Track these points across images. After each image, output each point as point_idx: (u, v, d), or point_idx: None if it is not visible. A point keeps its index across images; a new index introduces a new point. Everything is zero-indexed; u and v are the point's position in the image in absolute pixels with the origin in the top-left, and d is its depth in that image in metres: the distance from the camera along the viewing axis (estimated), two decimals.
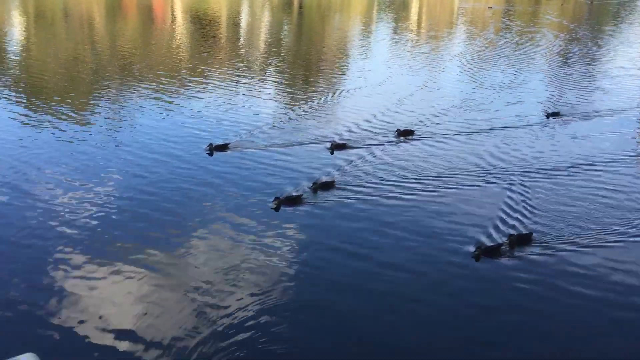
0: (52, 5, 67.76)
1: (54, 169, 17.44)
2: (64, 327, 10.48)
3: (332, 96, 28.11)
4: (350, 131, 22.08)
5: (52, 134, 20.88)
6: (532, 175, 18.26)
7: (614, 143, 22.15)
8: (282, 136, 21.23)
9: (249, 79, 31.88)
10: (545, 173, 18.55)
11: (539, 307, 11.70)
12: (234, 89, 29.09)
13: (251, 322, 10.74)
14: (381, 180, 17.34)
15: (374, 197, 16.18)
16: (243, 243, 13.57)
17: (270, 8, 78.28)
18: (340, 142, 20.38)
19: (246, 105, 25.80)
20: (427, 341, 10.65)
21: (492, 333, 10.92)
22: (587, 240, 14.17)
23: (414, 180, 17.48)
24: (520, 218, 15.23)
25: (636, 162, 20.04)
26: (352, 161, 18.75)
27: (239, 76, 32.38)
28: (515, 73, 35.90)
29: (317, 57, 42.25)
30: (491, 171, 18.48)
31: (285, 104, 27.07)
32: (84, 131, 21.38)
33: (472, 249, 13.46)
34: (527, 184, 17.49)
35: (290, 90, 30.21)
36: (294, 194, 15.85)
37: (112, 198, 15.60)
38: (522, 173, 18.35)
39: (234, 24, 61.45)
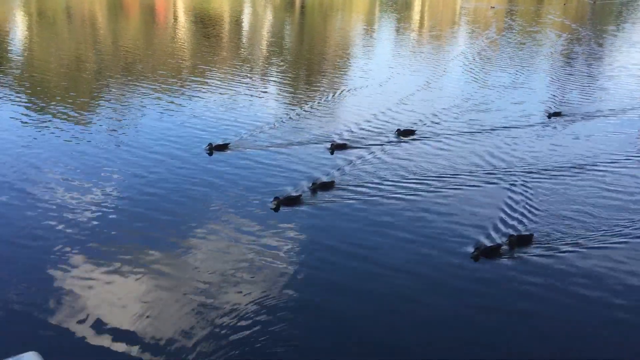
0: (55, 4, 67.85)
1: (55, 168, 17.45)
2: (66, 326, 10.49)
3: (333, 96, 28.09)
4: (350, 131, 22.04)
5: (54, 133, 20.89)
6: (533, 175, 18.20)
7: (616, 143, 22.07)
8: (282, 136, 21.21)
9: (250, 78, 31.87)
10: (546, 173, 18.49)
11: (539, 308, 11.65)
12: (235, 88, 29.08)
13: (250, 322, 10.72)
14: (381, 180, 17.30)
15: (373, 198, 16.15)
16: (242, 243, 13.54)
17: (272, 8, 78.28)
18: (341, 142, 20.35)
19: (247, 105, 25.78)
20: (426, 341, 10.61)
21: (492, 334, 10.88)
22: (589, 242, 14.11)
23: (414, 181, 17.43)
24: (521, 219, 15.17)
25: (638, 163, 19.94)
26: (352, 161, 18.72)
27: (240, 76, 32.37)
28: (517, 73, 35.83)
29: (319, 56, 42.23)
30: (492, 171, 18.43)
31: (286, 103, 27.06)
32: (85, 131, 21.39)
33: (472, 249, 13.41)
34: (528, 184, 17.43)
35: (291, 89, 30.19)
36: (294, 194, 15.82)
37: (112, 198, 15.59)
38: (522, 173, 18.30)
39: (236, 23, 61.48)
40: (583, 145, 21.65)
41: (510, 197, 16.46)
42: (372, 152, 19.70)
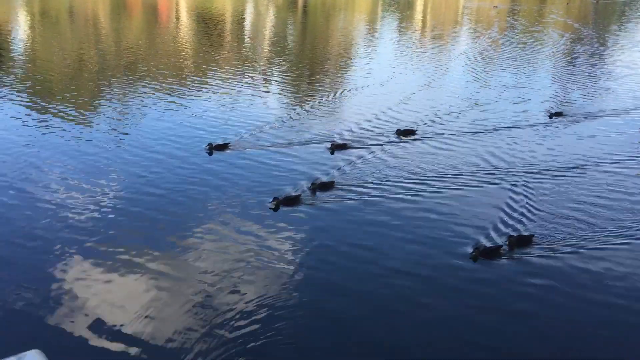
0: (58, 4, 67.99)
1: (56, 168, 17.46)
2: (68, 324, 10.52)
3: (334, 95, 28.06)
4: (351, 131, 22.01)
5: (55, 133, 20.91)
6: (534, 176, 18.14)
7: (618, 144, 21.99)
8: (282, 136, 21.19)
9: (251, 78, 31.87)
10: (547, 174, 18.42)
11: (538, 309, 11.60)
12: (236, 88, 29.09)
13: (250, 322, 10.71)
14: (381, 180, 17.26)
15: (373, 198, 16.11)
16: (241, 243, 13.53)
17: (274, 7, 78.30)
18: (341, 142, 20.31)
19: (248, 105, 25.77)
20: (426, 341, 10.59)
21: (491, 334, 10.83)
22: (590, 243, 14.03)
23: (414, 181, 17.39)
24: (522, 219, 15.11)
25: None
26: (352, 161, 18.68)
27: (242, 75, 32.38)
28: (519, 72, 35.77)
29: (321, 56, 42.22)
30: (492, 171, 18.37)
31: (288, 103, 27.05)
32: (86, 130, 21.40)
33: (471, 250, 13.37)
34: (529, 184, 17.37)
35: (292, 89, 30.18)
36: (293, 194, 15.80)
37: (112, 197, 15.59)
38: (523, 174, 18.24)
39: (239, 23, 61.49)
40: (584, 146, 21.57)
41: (511, 198, 16.41)
42: (372, 152, 19.66)
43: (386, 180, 17.26)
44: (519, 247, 13.58)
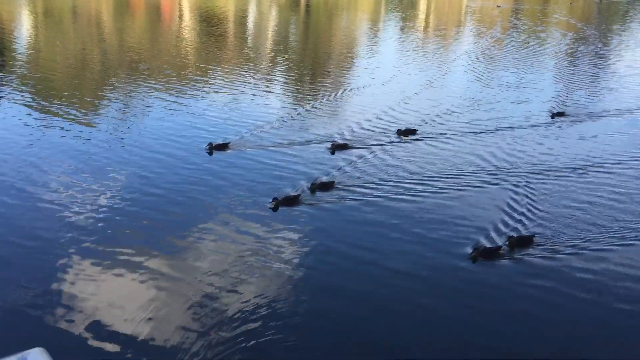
0: (61, 3, 68.09)
1: (58, 168, 17.45)
2: (71, 323, 10.55)
3: (336, 95, 28.03)
4: (352, 131, 21.97)
5: (56, 132, 20.93)
6: (536, 176, 18.06)
7: (621, 144, 21.91)
8: (283, 135, 21.16)
9: (253, 77, 31.86)
10: (548, 174, 18.35)
11: (537, 310, 11.54)
12: (238, 87, 29.08)
13: (249, 323, 10.68)
14: (382, 180, 17.22)
15: (373, 198, 16.07)
16: (241, 244, 13.51)
17: (277, 7, 78.31)
18: (342, 142, 20.26)
19: (249, 104, 25.76)
20: (426, 341, 10.55)
21: (490, 336, 10.78)
22: (591, 244, 13.95)
23: (415, 181, 17.34)
24: (523, 220, 15.05)
25: None
26: (352, 161, 18.64)
27: (244, 75, 32.37)
28: (521, 72, 35.69)
29: (323, 55, 42.19)
30: (493, 172, 18.31)
31: (289, 102, 27.02)
32: (87, 130, 21.39)
33: (471, 250, 13.32)
34: (530, 185, 17.30)
35: (294, 89, 30.15)
36: (293, 194, 15.76)
37: (113, 197, 15.58)
38: (525, 174, 18.17)
39: (241, 22, 61.51)
40: (587, 146, 21.49)
41: (512, 198, 16.34)
42: (373, 152, 19.62)
43: (386, 181, 17.22)
44: (519, 248, 13.52)
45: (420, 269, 12.76)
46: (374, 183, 17.01)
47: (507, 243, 13.61)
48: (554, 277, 12.56)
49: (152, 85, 28.81)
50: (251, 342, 10.18)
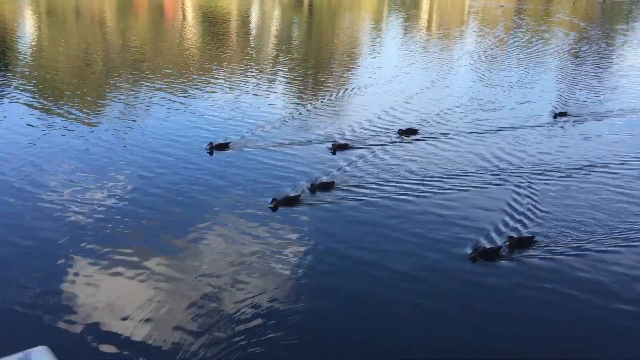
0: (64, 3, 68.22)
1: (59, 168, 17.45)
2: (74, 321, 10.58)
3: (338, 95, 28.02)
4: (353, 131, 21.95)
5: (58, 132, 20.96)
6: (537, 177, 17.99)
7: (624, 144, 21.80)
8: (284, 135, 21.14)
9: (256, 77, 31.87)
10: (550, 175, 18.26)
11: (536, 311, 11.49)
12: (241, 87, 29.09)
13: (248, 322, 10.67)
14: (382, 181, 17.17)
15: (374, 198, 16.04)
16: (240, 244, 13.50)
17: (280, 6, 78.33)
18: (342, 142, 20.23)
19: (251, 104, 25.76)
20: (426, 341, 10.53)
21: (489, 337, 10.73)
22: (593, 245, 13.85)
23: (416, 181, 17.29)
24: (525, 221, 14.99)
25: None
26: (353, 161, 18.61)
27: (246, 74, 32.39)
28: (524, 72, 35.63)
29: (326, 55, 42.19)
30: (495, 172, 18.25)
31: (290, 102, 27.01)
32: (90, 130, 21.40)
33: (470, 251, 13.28)
34: (531, 186, 17.23)
35: (296, 88, 30.15)
36: (292, 194, 15.75)
37: (114, 197, 15.59)
38: (526, 175, 18.10)
39: (244, 22, 61.55)
40: (589, 146, 21.40)
41: (514, 199, 16.27)
42: (374, 153, 19.58)
43: (387, 181, 17.18)
44: (519, 249, 13.46)
45: (420, 270, 12.73)
46: (375, 183, 16.98)
47: (507, 244, 13.56)
48: (554, 279, 12.49)
49: (154, 84, 28.85)
50: (251, 342, 10.16)
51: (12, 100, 25.03)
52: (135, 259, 12.68)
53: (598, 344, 10.74)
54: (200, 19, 62.36)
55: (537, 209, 15.73)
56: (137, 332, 10.36)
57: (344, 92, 28.79)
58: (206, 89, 28.54)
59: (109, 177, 16.87)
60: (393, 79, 32.35)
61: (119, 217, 14.55)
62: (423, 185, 17.08)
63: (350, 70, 35.87)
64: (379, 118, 23.84)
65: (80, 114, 23.49)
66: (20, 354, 6.86)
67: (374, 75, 33.65)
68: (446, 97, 28.28)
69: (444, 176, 17.78)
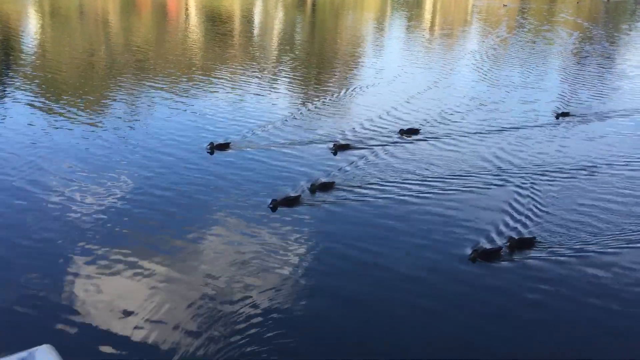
0: (68, 2, 68.34)
1: (61, 167, 17.46)
2: (79, 319, 10.65)
3: (340, 95, 28.00)
4: (355, 131, 21.93)
5: (61, 132, 21.00)
6: (539, 177, 17.94)
7: (627, 145, 21.72)
8: (285, 135, 21.12)
9: (258, 77, 31.88)
10: (552, 176, 18.20)
11: (535, 312, 11.47)
12: (243, 87, 29.10)
13: (248, 323, 10.68)
14: (383, 181, 17.15)
15: (374, 199, 16.02)
16: (240, 244, 13.51)
17: (283, 6, 78.33)
18: (343, 142, 20.21)
19: (254, 104, 25.76)
20: (425, 342, 10.53)
21: (489, 338, 10.72)
22: (595, 247, 13.80)
23: (417, 182, 17.25)
24: (526, 222, 14.93)
25: None
26: (354, 162, 18.58)
27: (249, 74, 32.40)
28: (527, 72, 35.55)
29: (329, 55, 42.18)
30: (496, 173, 18.20)
31: (292, 102, 27.00)
32: (92, 129, 21.41)
33: (470, 251, 13.25)
34: (533, 187, 17.18)
35: (298, 88, 30.13)
36: (292, 195, 15.74)
37: (114, 197, 15.61)
38: (527, 175, 18.05)
39: (247, 22, 61.59)
40: (592, 147, 21.33)
41: (515, 200, 16.22)
42: (375, 153, 19.56)
43: (387, 181, 17.16)
44: (519, 250, 13.43)
45: (421, 270, 12.71)
46: (375, 183, 16.95)
47: (507, 245, 13.53)
48: (555, 280, 12.46)
49: (156, 84, 28.87)
50: (251, 342, 10.17)
51: (15, 100, 25.09)
52: (136, 258, 12.71)
53: (599, 346, 10.71)
54: (203, 18, 62.41)
55: (539, 209, 15.69)
56: (138, 331, 10.40)
57: (346, 91, 28.77)
58: (208, 88, 28.56)
59: (109, 177, 16.89)
60: (395, 79, 32.31)
61: (120, 216, 14.58)
62: (424, 185, 17.05)
63: (353, 70, 35.85)
64: (381, 118, 23.81)
65: (82, 114, 23.52)
66: (24, 353, 6.94)
67: (376, 75, 33.62)
68: (448, 97, 28.24)
69: (445, 176, 17.74)
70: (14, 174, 16.89)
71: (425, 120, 23.80)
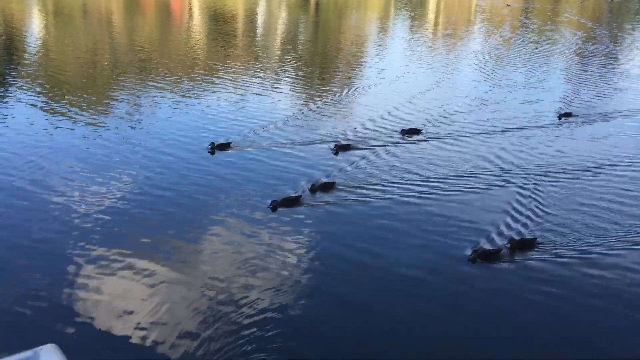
0: (71, 2, 68.46)
1: (62, 167, 17.48)
2: (83, 319, 10.69)
3: (342, 95, 27.97)
4: (356, 131, 21.90)
5: (63, 132, 21.02)
6: (542, 178, 17.88)
7: (630, 146, 21.63)
8: (287, 135, 21.10)
9: (261, 77, 31.87)
10: (555, 176, 18.12)
11: (534, 313, 11.43)
12: (246, 87, 29.10)
13: (248, 323, 10.68)
14: (384, 181, 17.11)
15: (375, 199, 15.99)
16: (240, 245, 13.50)
17: (286, 6, 78.35)
18: (345, 142, 20.17)
19: (256, 104, 25.76)
20: (425, 342, 10.52)
21: (488, 340, 10.70)
22: (598, 248, 13.72)
23: (418, 182, 17.21)
24: (528, 222, 14.88)
25: None
26: (355, 162, 18.55)
27: (251, 74, 32.41)
28: (530, 72, 35.46)
29: (332, 55, 42.16)
30: (496, 173, 18.15)
31: (295, 102, 26.98)
32: (95, 129, 21.41)
33: (470, 252, 13.21)
34: (534, 187, 17.12)
35: (300, 88, 30.13)
36: (293, 195, 15.71)
37: (115, 197, 15.63)
38: (528, 176, 17.99)
39: (251, 21, 61.61)
40: (594, 148, 21.24)
41: (517, 201, 16.17)
42: (376, 153, 19.52)
43: (388, 182, 17.12)
44: (520, 251, 13.37)
45: (421, 271, 12.67)
46: (376, 184, 16.92)
47: (508, 245, 13.48)
48: (555, 281, 12.40)
49: (158, 84, 28.90)
50: (251, 343, 10.17)
51: (17, 100, 25.14)
52: (136, 258, 12.72)
53: (599, 347, 10.66)
54: (207, 18, 62.47)
55: (541, 210, 15.63)
56: (139, 330, 10.42)
57: (348, 91, 28.75)
58: (210, 88, 28.57)
59: (110, 177, 16.91)
60: (398, 79, 32.27)
61: (121, 216, 14.59)
62: (425, 186, 17.01)
63: (355, 70, 35.82)
64: (382, 118, 23.78)
65: (84, 113, 23.55)
66: (29, 352, 6.98)
67: (378, 74, 33.59)
68: (450, 97, 28.18)
69: (446, 177, 17.70)
70: (15, 174, 16.92)
71: (427, 120, 23.76)
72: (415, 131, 21.69)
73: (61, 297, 11.31)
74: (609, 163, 19.56)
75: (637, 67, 38.38)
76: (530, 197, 16.45)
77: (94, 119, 22.94)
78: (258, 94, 27.68)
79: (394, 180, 17.23)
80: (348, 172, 17.72)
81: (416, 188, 16.80)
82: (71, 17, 58.68)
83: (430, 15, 74.17)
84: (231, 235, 13.93)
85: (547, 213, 15.48)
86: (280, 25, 59.00)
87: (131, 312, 10.92)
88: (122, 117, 23.18)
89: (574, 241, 14.01)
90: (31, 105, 24.45)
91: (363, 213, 15.22)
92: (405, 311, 11.37)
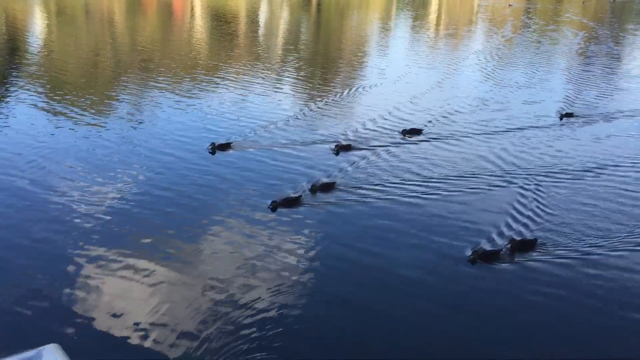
0: (73, 2, 68.57)
1: (63, 167, 17.49)
2: (85, 318, 10.69)
3: (344, 95, 27.96)
4: (358, 131, 21.88)
5: (64, 132, 21.04)
6: (543, 178, 17.83)
7: (632, 146, 21.55)
8: (288, 136, 21.10)
9: (262, 77, 31.88)
10: (557, 177, 18.08)
11: (534, 314, 11.39)
12: (247, 87, 29.11)
13: (247, 323, 10.67)
14: (384, 182, 17.10)
15: (375, 200, 15.97)
16: (240, 245, 13.49)
17: (288, 6, 78.38)
18: (345, 142, 20.15)
19: (257, 104, 25.76)
20: (426, 342, 10.50)
21: (488, 341, 10.68)
22: (599, 249, 13.66)
23: (418, 183, 17.19)
24: (529, 223, 14.84)
25: None
26: (356, 162, 18.54)
27: (253, 74, 32.41)
28: (532, 72, 35.40)
29: (334, 55, 42.16)
30: (497, 174, 18.13)
31: (296, 102, 26.98)
32: (97, 129, 21.44)
33: (470, 253, 13.18)
34: (537, 188, 17.08)
35: (302, 88, 30.13)
36: (293, 195, 15.70)
37: (115, 197, 15.64)
38: (532, 177, 17.95)
39: (253, 21, 61.65)
40: (595, 148, 21.18)
41: (519, 201, 16.13)
42: (377, 153, 19.49)
43: (389, 182, 17.11)
44: (521, 252, 13.33)
45: (421, 271, 12.65)
46: (376, 184, 16.91)
47: (508, 246, 13.44)
48: (556, 283, 12.35)
49: (160, 84, 28.93)
50: (251, 342, 10.17)
51: (18, 100, 25.18)
52: (136, 258, 12.73)
53: (599, 348, 10.63)
54: (209, 18, 62.53)
55: (542, 211, 15.59)
56: (140, 331, 10.42)
57: (349, 91, 28.74)
58: (211, 88, 28.59)
59: (110, 177, 16.92)
60: (399, 79, 32.25)
61: (121, 216, 14.60)
62: (426, 186, 16.98)
63: (356, 70, 35.81)
64: (384, 118, 23.76)
65: (85, 114, 23.57)
66: (32, 352, 6.95)
67: (379, 75, 33.58)
68: (452, 97, 28.15)
69: (447, 177, 17.67)
70: (15, 174, 16.94)
71: (428, 120, 23.73)
72: (416, 131, 21.67)
73: (61, 297, 11.33)
74: (610, 163, 19.50)
75: (639, 68, 38.28)
76: (531, 197, 16.41)
77: (94, 119, 22.96)
78: (259, 94, 27.68)
79: (395, 181, 17.21)
80: (348, 172, 17.71)
81: (417, 188, 16.78)
82: (73, 17, 58.78)
83: (432, 15, 74.15)
84: (231, 235, 13.93)
85: (548, 214, 15.44)
86: (282, 26, 59.02)
87: (130, 312, 10.93)
88: (123, 117, 23.20)
89: (575, 242, 13.96)
90: (32, 105, 24.48)
91: (363, 213, 15.20)
92: (405, 311, 11.36)
